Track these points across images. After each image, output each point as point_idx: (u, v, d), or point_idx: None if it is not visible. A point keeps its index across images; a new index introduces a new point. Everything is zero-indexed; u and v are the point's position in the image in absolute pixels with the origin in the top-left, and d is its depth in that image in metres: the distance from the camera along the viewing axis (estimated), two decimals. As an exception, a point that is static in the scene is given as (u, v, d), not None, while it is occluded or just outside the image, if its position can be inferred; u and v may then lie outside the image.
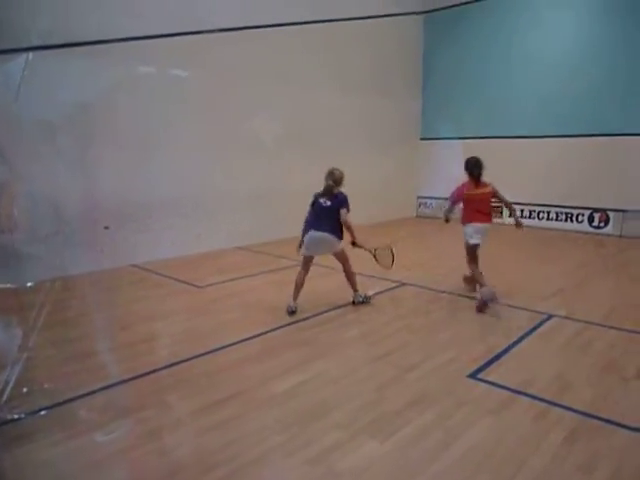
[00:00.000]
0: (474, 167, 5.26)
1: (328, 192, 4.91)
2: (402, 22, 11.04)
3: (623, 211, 9.36)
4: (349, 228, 4.89)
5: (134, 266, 6.84)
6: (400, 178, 11.58)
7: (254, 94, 8.12)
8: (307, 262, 5.07)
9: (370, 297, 5.26)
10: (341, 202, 4.88)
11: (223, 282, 6.07)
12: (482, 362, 3.77)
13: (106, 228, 6.62)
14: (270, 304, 5.14)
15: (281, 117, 8.58)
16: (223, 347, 4.05)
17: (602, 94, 9.34)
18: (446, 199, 11.55)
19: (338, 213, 4.83)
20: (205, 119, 7.56)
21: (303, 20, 8.40)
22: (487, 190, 5.25)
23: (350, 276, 5.16)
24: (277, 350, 4.00)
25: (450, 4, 11.07)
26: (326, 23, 8.89)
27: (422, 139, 12.12)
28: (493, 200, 5.31)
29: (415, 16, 11.42)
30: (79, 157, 6.22)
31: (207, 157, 7.62)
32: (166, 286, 5.97)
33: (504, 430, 2.87)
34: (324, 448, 2.68)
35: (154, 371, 3.64)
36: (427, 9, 11.36)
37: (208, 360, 3.83)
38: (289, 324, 4.54)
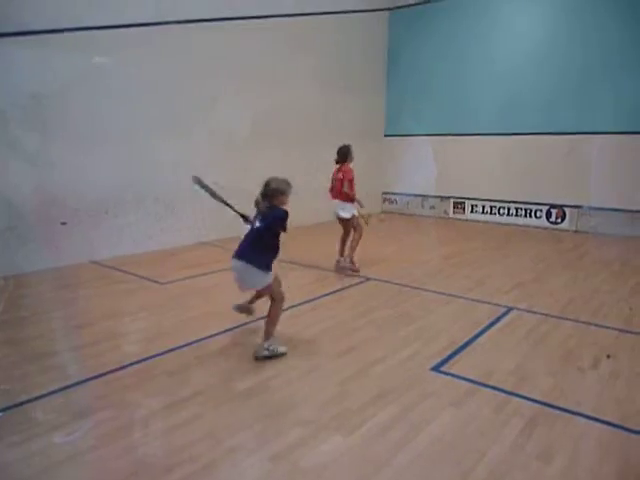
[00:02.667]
0: (337, 154, 6.42)
1: (261, 209, 3.83)
2: (368, 18, 11.11)
3: (578, 207, 9.71)
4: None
5: (94, 262, 6.64)
6: (365, 174, 11.59)
7: (217, 88, 8.00)
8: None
9: (280, 353, 3.76)
10: (271, 222, 3.71)
11: (186, 278, 5.97)
12: (444, 355, 3.83)
13: (63, 224, 6.40)
14: (234, 300, 5.08)
15: (245, 112, 8.48)
16: (186, 344, 3.98)
17: (559, 93, 9.65)
18: (411, 195, 11.83)
19: (269, 237, 3.72)
20: (165, 112, 7.39)
21: (269, 14, 8.33)
22: (339, 176, 6.29)
23: (271, 317, 3.81)
24: (241, 347, 3.96)
25: (415, 2, 11.20)
26: (294, 17, 8.85)
27: (386, 135, 12.23)
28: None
29: (381, 13, 11.50)
30: (32, 150, 5.97)
31: (168, 150, 7.45)
32: (127, 282, 5.82)
33: (465, 421, 2.93)
34: (288, 444, 2.67)
35: (115, 370, 3.54)
36: (392, 6, 11.46)
37: (171, 358, 3.75)
38: (254, 321, 4.50)
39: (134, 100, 6.97)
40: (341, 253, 6.47)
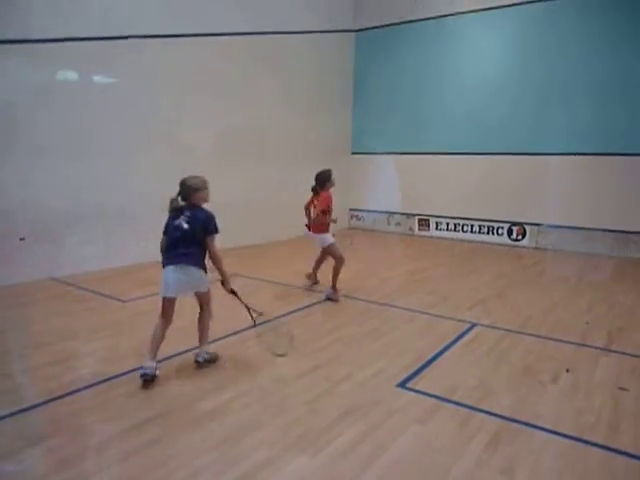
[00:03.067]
0: (315, 180, 5.96)
1: (179, 210, 3.75)
2: (335, 39, 11.32)
3: (538, 225, 10.04)
4: (217, 262, 3.79)
5: (54, 279, 6.42)
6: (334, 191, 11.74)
7: (185, 103, 7.95)
8: (169, 307, 3.79)
9: (215, 358, 3.96)
10: (205, 223, 3.70)
11: (148, 296, 5.81)
12: (410, 371, 3.85)
13: (21, 239, 6.18)
14: (196, 320, 4.98)
15: (211, 128, 8.46)
16: (148, 364, 3.86)
17: (518, 114, 10.03)
18: (378, 212, 11.97)
19: (201, 237, 3.71)
20: (129, 126, 7.28)
21: (239, 31, 8.38)
22: (314, 205, 5.99)
23: (205, 324, 3.95)
24: (204, 367, 3.88)
25: (380, 24, 11.49)
26: (264, 35, 8.94)
27: (353, 153, 12.39)
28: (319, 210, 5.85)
29: (348, 34, 11.74)
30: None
31: (132, 164, 7.32)
32: (88, 300, 5.64)
33: (431, 438, 2.94)
34: (254, 465, 2.61)
35: (71, 393, 3.40)
36: (359, 27, 11.72)
37: (131, 379, 3.63)
38: (216, 340, 4.42)
39: (97, 114, 6.84)
40: (314, 271, 6.46)
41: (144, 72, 7.34)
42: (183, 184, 3.80)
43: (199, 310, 3.96)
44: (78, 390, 3.44)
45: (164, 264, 3.76)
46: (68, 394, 3.39)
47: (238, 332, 4.66)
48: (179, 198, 3.79)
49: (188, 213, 3.72)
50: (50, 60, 6.23)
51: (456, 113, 10.74)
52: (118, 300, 5.66)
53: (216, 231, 3.77)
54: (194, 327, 4.03)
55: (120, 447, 2.77)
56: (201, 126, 8.26)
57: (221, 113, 8.59)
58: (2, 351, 4.18)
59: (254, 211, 9.31)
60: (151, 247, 7.67)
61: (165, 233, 3.80)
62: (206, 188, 3.89)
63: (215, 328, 4.68)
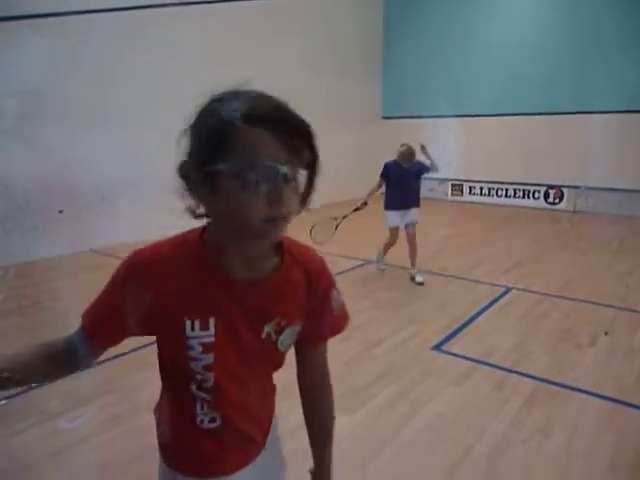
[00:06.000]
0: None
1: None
2: (362, 1, 10.98)
3: (576, 187, 9.72)
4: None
5: (94, 251, 6.65)
6: (362, 157, 11.59)
7: (209, 74, 7.85)
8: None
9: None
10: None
11: (187, 265, 5.98)
12: (445, 335, 3.87)
13: (60, 212, 6.39)
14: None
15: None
16: (188, 329, 4.00)
17: (556, 75, 9.60)
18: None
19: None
20: (161, 98, 7.32)
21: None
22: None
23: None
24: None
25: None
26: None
27: (384, 118, 12.16)
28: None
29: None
30: (26, 137, 5.93)
31: (165, 138, 7.38)
32: (127, 270, 5.83)
33: (466, 399, 2.97)
34: (296, 424, 2.71)
35: (118, 356, 3.56)
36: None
37: (173, 343, 3.77)
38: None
39: (128, 86, 6.91)
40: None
41: (168, 44, 7.32)
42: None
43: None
44: (125, 353, 3.60)
45: None
46: (115, 357, 3.55)
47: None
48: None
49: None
50: (80, 32, 6.28)
51: (491, 74, 10.36)
52: (157, 269, 5.83)
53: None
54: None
55: (166, 406, 2.91)
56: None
57: (245, 83, 8.49)
58: (50, 319, 4.40)
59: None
60: (187, 218, 7.91)
61: None
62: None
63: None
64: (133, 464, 2.44)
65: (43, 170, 6.17)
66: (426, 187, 11.51)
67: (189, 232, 0.99)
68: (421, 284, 5.11)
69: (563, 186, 9.88)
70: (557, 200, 9.99)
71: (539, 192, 10.18)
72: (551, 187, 10.02)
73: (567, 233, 7.94)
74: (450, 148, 11.02)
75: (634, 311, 4.40)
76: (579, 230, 8.20)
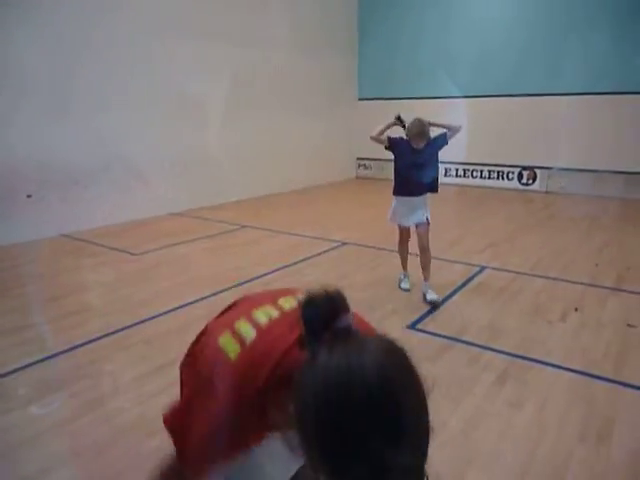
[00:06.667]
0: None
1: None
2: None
3: (549, 168, 9.87)
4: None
5: (64, 236, 6.49)
6: (338, 139, 11.55)
7: (184, 51, 7.72)
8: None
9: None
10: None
11: (161, 248, 5.89)
12: (420, 314, 3.91)
13: (28, 197, 6.20)
14: (211, 269, 5.07)
15: (212, 77, 8.25)
16: (164, 313, 3.96)
17: (528, 57, 9.64)
18: (385, 160, 11.78)
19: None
20: (131, 78, 7.12)
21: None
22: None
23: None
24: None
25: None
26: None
27: (360, 99, 12.09)
28: None
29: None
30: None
31: (136, 118, 7.22)
32: (100, 255, 5.72)
33: (440, 375, 3.01)
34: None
35: (90, 341, 3.51)
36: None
37: (147, 327, 3.73)
38: (230, 288, 4.49)
39: (100, 67, 6.69)
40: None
41: (137, 17, 7.10)
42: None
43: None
44: (97, 339, 3.55)
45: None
46: (87, 342, 3.49)
47: (251, 280, 4.71)
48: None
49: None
50: (49, 15, 6.04)
51: (465, 57, 10.34)
52: (130, 253, 5.73)
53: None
54: (203, 280, 4.09)
55: (140, 390, 2.88)
56: (201, 75, 8.05)
57: (219, 63, 8.30)
58: (19, 305, 4.29)
59: (255, 161, 9.19)
60: (157, 201, 7.80)
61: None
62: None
63: (228, 276, 4.76)
64: (108, 448, 2.41)
65: (10, 154, 5.97)
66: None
67: None
68: (433, 303, 4.06)
69: (536, 167, 10.01)
70: (530, 181, 10.13)
71: (513, 173, 10.30)
72: (524, 168, 10.15)
73: (540, 213, 8.08)
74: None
75: (603, 287, 4.52)
76: (551, 210, 8.35)
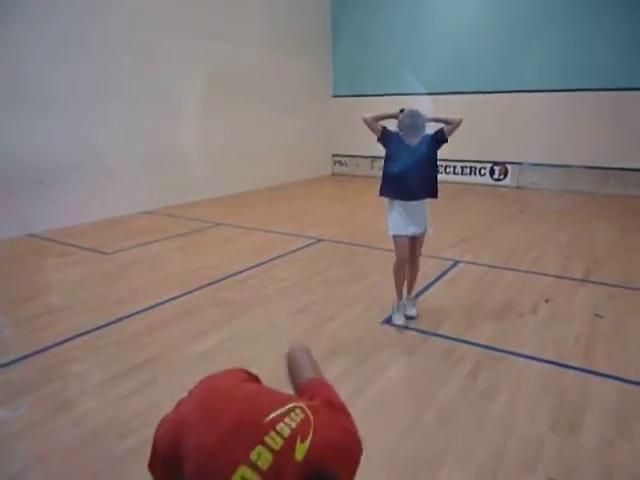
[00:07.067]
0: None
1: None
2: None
3: (519, 164, 10.06)
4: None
5: (32, 236, 6.31)
6: (313, 136, 11.54)
7: (156, 48, 7.59)
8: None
9: None
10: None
11: (132, 247, 5.79)
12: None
13: (-7, 196, 6.02)
14: (185, 267, 5.00)
15: (186, 74, 8.13)
16: (135, 313, 3.88)
17: (499, 54, 9.80)
18: (361, 156, 11.84)
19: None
20: (101, 74, 6.96)
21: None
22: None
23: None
24: (193, 312, 3.91)
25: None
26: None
27: (334, 96, 12.09)
28: None
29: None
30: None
31: (106, 115, 7.06)
32: (70, 254, 5.58)
33: (416, 369, 3.04)
34: (245, 402, 2.68)
35: (60, 343, 3.42)
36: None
37: (119, 328, 3.66)
38: (205, 286, 4.44)
39: (67, 61, 6.50)
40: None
41: (111, 14, 6.95)
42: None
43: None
44: (67, 340, 3.46)
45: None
46: (57, 344, 3.41)
47: (226, 278, 4.67)
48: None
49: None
50: (16, 15, 5.85)
51: (438, 53, 10.45)
52: (101, 253, 5.61)
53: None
54: (175, 279, 4.03)
55: (111, 392, 2.82)
56: (175, 69, 7.92)
57: (190, 59, 8.18)
58: (-14, 306, 4.16)
59: (229, 159, 9.10)
60: (127, 200, 7.64)
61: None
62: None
63: (202, 274, 4.71)
64: (80, 451, 2.35)
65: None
66: (378, 165, 11.62)
67: None
68: (412, 318, 3.73)
69: (507, 163, 10.19)
70: (502, 176, 10.31)
71: (485, 169, 10.47)
72: (496, 164, 10.32)
73: (511, 208, 8.22)
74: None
75: (572, 279, 4.63)
76: (522, 205, 8.51)
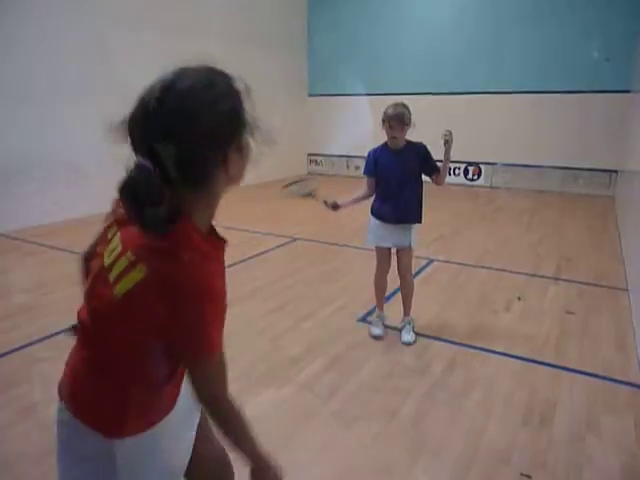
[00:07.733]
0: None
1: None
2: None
3: (493, 164, 10.23)
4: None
5: (0, 235, 6.13)
6: (288, 135, 11.45)
7: (123, 42, 7.42)
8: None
9: None
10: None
11: (105, 247, 5.66)
12: (370, 307, 3.94)
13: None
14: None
15: (153, 69, 7.95)
16: (108, 313, 3.80)
17: (474, 55, 9.95)
18: (337, 156, 11.85)
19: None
20: (66, 70, 6.79)
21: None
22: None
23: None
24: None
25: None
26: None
27: (310, 95, 12.08)
28: None
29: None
30: None
31: (73, 111, 6.86)
32: (41, 254, 5.44)
33: (391, 367, 3.06)
34: (220, 402, 2.66)
35: (32, 343, 3.33)
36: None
37: (91, 328, 3.57)
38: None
39: (32, 56, 6.33)
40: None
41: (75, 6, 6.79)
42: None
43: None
44: (39, 340, 3.37)
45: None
46: (28, 344, 3.31)
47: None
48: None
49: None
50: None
51: (412, 54, 10.55)
52: (72, 252, 5.48)
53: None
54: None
55: (84, 393, 2.75)
56: (138, 66, 7.77)
57: (158, 50, 8.04)
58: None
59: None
60: (99, 198, 7.43)
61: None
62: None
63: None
64: (48, 456, 2.28)
65: None
66: (353, 164, 11.66)
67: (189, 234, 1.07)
68: (408, 344, 3.33)
69: (481, 163, 10.36)
70: (475, 177, 10.47)
71: (459, 169, 10.61)
72: (470, 164, 10.47)
73: (484, 208, 8.36)
74: (373, 126, 11.17)
75: (544, 277, 4.73)
76: (495, 205, 8.65)
